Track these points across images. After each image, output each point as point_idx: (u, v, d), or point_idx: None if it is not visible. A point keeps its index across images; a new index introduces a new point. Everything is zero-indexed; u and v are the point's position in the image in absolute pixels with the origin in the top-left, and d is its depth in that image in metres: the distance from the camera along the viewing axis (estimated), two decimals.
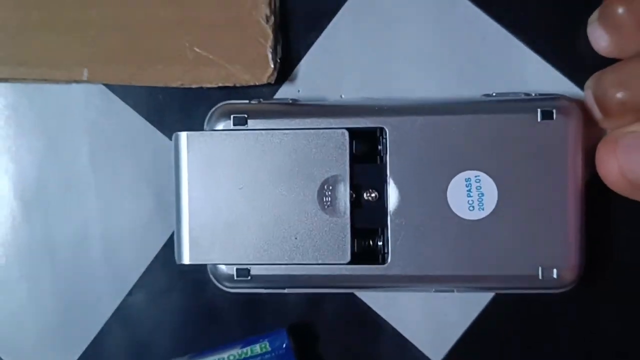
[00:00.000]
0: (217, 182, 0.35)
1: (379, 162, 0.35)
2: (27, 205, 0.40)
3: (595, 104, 0.34)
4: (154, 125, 0.39)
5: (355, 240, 0.35)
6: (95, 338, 0.40)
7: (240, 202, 0.35)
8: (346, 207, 0.34)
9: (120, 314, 0.40)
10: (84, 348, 0.40)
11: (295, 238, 0.34)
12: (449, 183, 0.34)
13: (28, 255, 0.40)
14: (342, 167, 0.35)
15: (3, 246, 0.41)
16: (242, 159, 0.35)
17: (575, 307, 0.38)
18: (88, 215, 0.40)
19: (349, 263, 0.35)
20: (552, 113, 0.34)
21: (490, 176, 0.34)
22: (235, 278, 0.35)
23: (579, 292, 0.37)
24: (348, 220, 0.34)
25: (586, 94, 0.35)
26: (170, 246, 0.39)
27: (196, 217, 0.36)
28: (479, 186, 0.34)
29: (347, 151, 0.34)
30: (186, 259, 0.35)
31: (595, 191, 0.36)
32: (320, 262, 0.35)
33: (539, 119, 0.34)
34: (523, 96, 0.35)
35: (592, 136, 0.36)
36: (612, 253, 0.37)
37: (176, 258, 0.36)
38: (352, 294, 0.38)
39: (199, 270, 0.39)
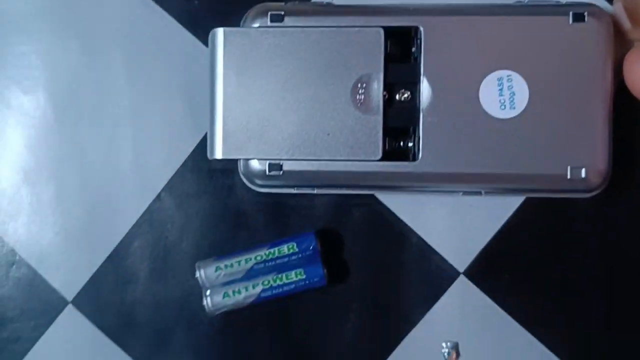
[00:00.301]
0: (252, 79, 0.36)
1: (412, 62, 0.35)
2: (59, 107, 0.40)
3: (625, 14, 0.34)
4: (189, 30, 0.39)
5: (387, 139, 0.35)
6: (122, 240, 0.40)
7: (274, 99, 0.36)
8: (379, 105, 0.35)
9: (148, 217, 0.40)
10: (110, 250, 0.40)
11: (328, 134, 0.34)
12: (481, 82, 0.34)
13: (58, 157, 0.40)
14: (377, 65, 0.35)
15: (33, 148, 0.41)
16: (278, 56, 0.35)
17: (603, 219, 0.38)
18: (119, 118, 0.40)
19: (380, 160, 0.35)
20: (584, 16, 0.34)
21: (522, 76, 0.34)
22: (267, 173, 0.35)
23: (606, 203, 0.37)
24: (381, 118, 0.35)
25: (615, 6, 0.35)
26: (199, 151, 0.40)
27: (230, 112, 0.36)
28: (511, 85, 0.34)
29: (382, 49, 0.35)
30: (219, 154, 0.36)
31: (621, 102, 0.36)
32: (352, 158, 0.34)
33: (570, 22, 0.34)
34: (555, 2, 0.35)
35: (620, 47, 0.35)
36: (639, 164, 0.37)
37: (208, 154, 0.36)
38: (379, 201, 0.38)
39: (227, 175, 0.40)
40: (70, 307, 0.40)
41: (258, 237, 0.39)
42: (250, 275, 0.38)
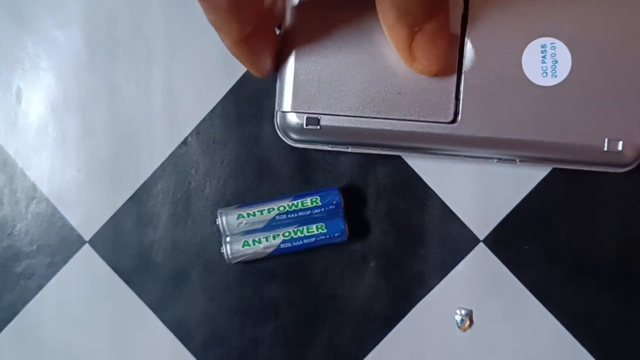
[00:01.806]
0: (325, 32, 0.33)
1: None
2: (93, 43, 0.37)
3: None
4: None
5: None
6: (145, 182, 0.37)
7: (348, 54, 0.33)
8: (454, 66, 0.32)
9: (173, 161, 0.37)
10: (132, 192, 0.37)
11: (399, 94, 0.32)
12: (524, 48, 0.32)
13: (87, 94, 0.37)
14: None
15: (63, 82, 0.38)
16: (351, 10, 0.32)
17: (629, 197, 0.36)
18: (153, 59, 0.37)
19: (451, 122, 0.32)
20: None
21: (566, 45, 0.31)
22: (305, 127, 0.32)
23: (635, 180, 0.35)
24: (454, 79, 0.32)
25: None
26: (229, 98, 0.37)
27: (302, 66, 0.33)
28: (554, 53, 0.31)
29: None
30: (287, 107, 0.33)
31: None
32: (422, 119, 0.32)
33: None
34: None
35: None
36: None
37: (276, 106, 0.34)
38: (405, 163, 0.36)
39: (255, 124, 0.37)
40: (86, 246, 0.37)
41: (281, 189, 0.36)
42: (272, 225, 0.35)
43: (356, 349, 0.36)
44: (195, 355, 0.36)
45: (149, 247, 0.36)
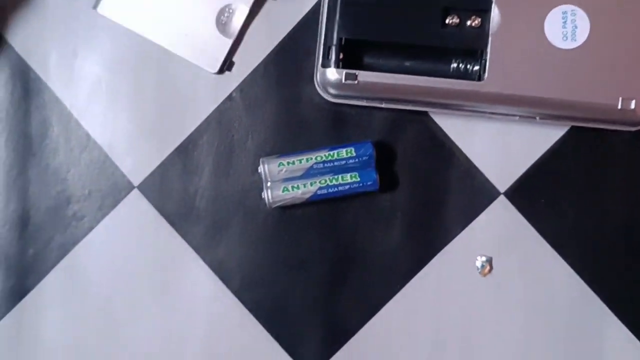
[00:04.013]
0: None
1: None
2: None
3: None
4: None
5: (458, 60, 0.35)
6: (191, 134, 0.39)
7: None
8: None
9: (218, 115, 0.39)
10: (179, 142, 0.40)
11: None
12: (547, 14, 0.34)
13: (139, 52, 0.40)
14: None
15: (118, 41, 0.41)
16: None
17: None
18: None
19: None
20: None
21: (585, 12, 0.34)
22: (343, 82, 0.35)
23: None
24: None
25: None
26: (271, 58, 0.40)
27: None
28: (574, 19, 0.34)
29: None
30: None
31: None
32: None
33: None
34: None
35: None
36: None
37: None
38: (433, 121, 0.38)
39: (295, 83, 0.40)
40: (135, 191, 0.39)
41: (318, 143, 0.38)
42: (309, 174, 0.38)
43: (383, 291, 0.39)
44: (234, 293, 0.39)
45: (194, 194, 0.39)
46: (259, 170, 0.38)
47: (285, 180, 0.38)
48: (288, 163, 0.38)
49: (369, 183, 0.38)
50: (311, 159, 0.38)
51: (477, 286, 0.38)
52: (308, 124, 0.38)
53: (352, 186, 0.38)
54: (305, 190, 0.38)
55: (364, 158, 0.38)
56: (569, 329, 0.38)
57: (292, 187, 0.38)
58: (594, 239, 0.38)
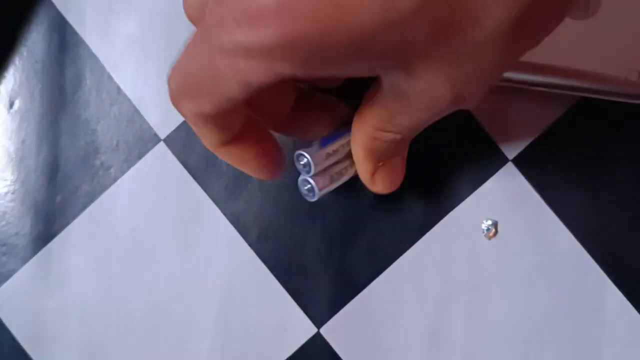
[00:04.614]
0: None
1: None
2: None
3: None
4: None
5: None
6: None
7: None
8: None
9: None
10: None
11: None
12: None
13: (173, 10, 0.42)
14: None
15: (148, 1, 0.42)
16: None
17: None
18: None
19: None
20: None
21: None
22: None
23: None
24: None
25: None
26: None
27: None
28: None
29: None
30: None
31: None
32: None
33: None
34: None
35: None
36: None
37: None
38: None
39: None
40: (161, 144, 0.41)
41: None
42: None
43: (392, 250, 0.40)
44: (250, 245, 0.41)
45: None
46: (301, 162, 0.35)
47: (331, 166, 0.36)
48: (334, 151, 0.36)
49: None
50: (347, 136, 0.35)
51: (482, 249, 0.39)
52: None
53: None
54: (352, 170, 0.37)
55: None
56: (569, 293, 0.40)
57: (342, 169, 0.36)
58: (596, 208, 0.40)
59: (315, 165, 0.34)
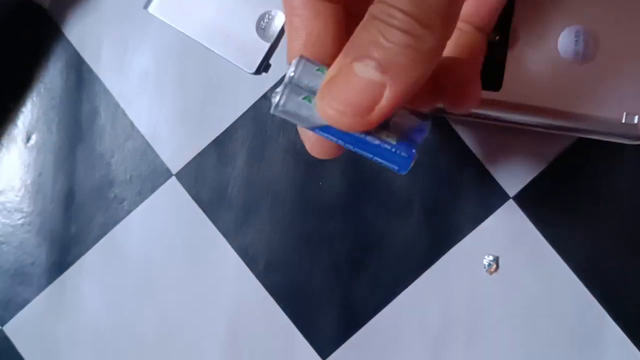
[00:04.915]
0: None
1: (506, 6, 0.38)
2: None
3: None
4: None
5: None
6: (228, 128, 0.43)
7: None
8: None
9: (253, 112, 0.42)
10: (216, 135, 0.43)
11: None
12: (561, 32, 0.37)
13: (185, 48, 0.44)
14: None
15: (167, 36, 0.44)
16: None
17: None
18: None
19: None
20: None
21: (596, 31, 0.37)
22: None
23: None
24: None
25: None
26: None
27: None
28: (586, 38, 0.37)
29: None
30: None
31: None
32: None
33: None
34: None
35: None
36: None
37: None
38: (449, 126, 0.41)
39: None
40: (173, 179, 0.42)
41: None
42: None
43: (397, 282, 0.41)
44: (257, 277, 0.42)
45: (226, 183, 0.42)
46: (289, 66, 0.27)
47: (312, 92, 0.26)
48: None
49: (402, 154, 0.27)
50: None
51: (484, 283, 0.40)
52: None
53: (382, 146, 0.27)
54: None
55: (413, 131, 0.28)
56: (568, 328, 0.41)
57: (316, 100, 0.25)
58: (595, 244, 0.40)
59: (301, 72, 0.26)
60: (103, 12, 0.42)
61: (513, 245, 0.40)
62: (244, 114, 0.41)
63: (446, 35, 0.23)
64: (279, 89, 0.26)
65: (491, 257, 0.40)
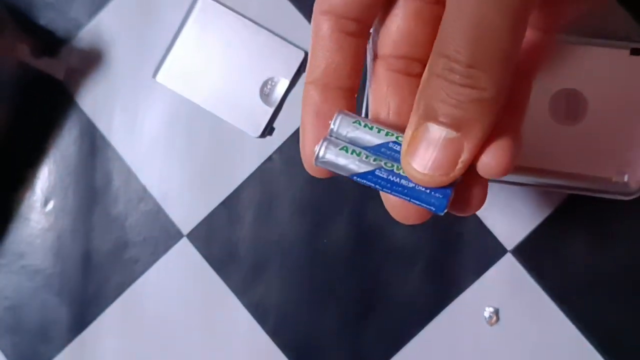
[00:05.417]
0: None
1: None
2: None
3: None
4: None
5: None
6: (236, 189, 0.44)
7: None
8: None
9: (259, 173, 0.44)
10: (224, 196, 0.45)
11: None
12: (550, 95, 0.38)
13: (193, 113, 0.45)
14: None
15: (176, 101, 0.46)
16: None
17: (635, 220, 0.42)
18: None
19: None
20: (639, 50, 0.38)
21: (585, 94, 0.38)
22: None
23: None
24: None
25: None
26: None
27: None
28: (574, 100, 0.38)
29: None
30: None
31: None
32: None
33: (629, 54, 0.38)
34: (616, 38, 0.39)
35: None
36: None
37: None
38: None
39: None
40: (184, 239, 0.44)
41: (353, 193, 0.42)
42: (380, 150, 0.28)
43: (402, 334, 0.43)
44: (267, 332, 0.43)
45: (236, 242, 0.44)
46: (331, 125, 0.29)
47: (351, 142, 0.29)
48: (366, 126, 0.29)
49: (437, 195, 0.27)
50: (392, 134, 0.28)
51: (485, 334, 0.42)
52: (340, 180, 0.43)
53: (417, 188, 0.27)
54: (365, 161, 0.28)
55: None
56: None
57: (353, 151, 0.28)
58: (594, 294, 0.42)
59: (340, 125, 0.29)
60: (114, 82, 0.44)
61: (512, 297, 0.41)
62: (250, 175, 0.43)
63: (507, 79, 0.23)
64: (320, 142, 0.28)
65: (491, 309, 0.41)
